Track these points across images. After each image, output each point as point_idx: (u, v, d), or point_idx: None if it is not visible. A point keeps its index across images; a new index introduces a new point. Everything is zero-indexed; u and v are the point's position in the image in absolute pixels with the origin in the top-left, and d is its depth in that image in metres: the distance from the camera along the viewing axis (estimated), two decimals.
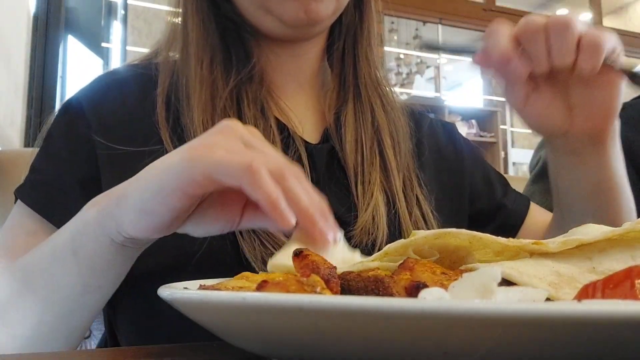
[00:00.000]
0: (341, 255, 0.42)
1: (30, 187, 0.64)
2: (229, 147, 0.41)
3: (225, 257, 0.59)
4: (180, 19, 0.71)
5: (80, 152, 0.65)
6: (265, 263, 0.58)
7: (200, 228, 0.47)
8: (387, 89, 0.77)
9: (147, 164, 0.51)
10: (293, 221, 0.40)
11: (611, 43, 0.56)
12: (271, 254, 0.58)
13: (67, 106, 0.69)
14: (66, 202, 0.63)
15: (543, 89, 0.62)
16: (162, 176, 0.43)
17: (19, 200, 0.65)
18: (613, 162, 0.65)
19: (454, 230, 0.37)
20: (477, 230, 0.37)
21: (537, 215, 0.82)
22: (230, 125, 0.44)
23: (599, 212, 0.66)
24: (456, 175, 0.79)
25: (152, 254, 0.60)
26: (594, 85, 0.60)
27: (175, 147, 0.63)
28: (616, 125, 0.64)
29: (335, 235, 0.42)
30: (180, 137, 0.65)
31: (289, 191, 0.40)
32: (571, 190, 0.68)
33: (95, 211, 0.49)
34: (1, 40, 2.10)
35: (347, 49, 0.76)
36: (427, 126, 0.82)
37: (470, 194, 0.79)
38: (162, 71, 0.70)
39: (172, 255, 0.58)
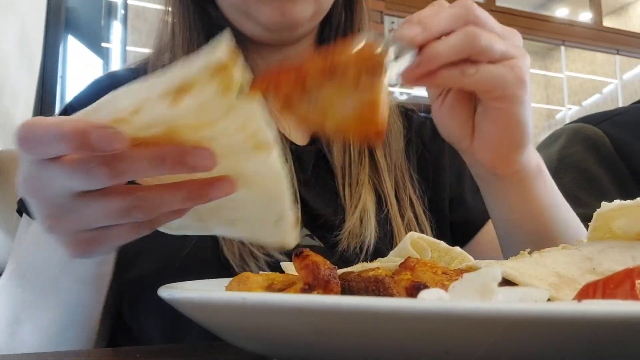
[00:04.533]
0: None
1: None
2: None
3: (206, 255, 0.59)
4: (169, 22, 0.71)
5: None
6: (244, 260, 0.58)
7: None
8: None
9: None
10: None
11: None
12: (250, 252, 0.58)
13: (68, 108, 0.70)
14: None
15: (458, 92, 0.52)
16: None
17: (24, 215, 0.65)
18: (526, 202, 0.56)
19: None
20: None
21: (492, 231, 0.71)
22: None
23: (526, 238, 0.57)
24: (438, 171, 0.76)
25: (142, 258, 0.60)
26: (491, 111, 0.50)
27: None
28: (529, 165, 0.54)
29: None
30: None
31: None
32: (492, 212, 0.61)
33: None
34: (24, 42, 2.11)
35: None
36: (416, 123, 0.80)
37: (448, 187, 0.76)
38: (152, 72, 0.70)
39: (161, 257, 0.59)
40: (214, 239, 0.59)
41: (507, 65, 0.45)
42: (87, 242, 0.37)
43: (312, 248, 0.64)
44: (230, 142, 0.32)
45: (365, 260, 0.62)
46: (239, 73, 0.29)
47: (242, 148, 0.33)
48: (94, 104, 0.31)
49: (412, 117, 0.81)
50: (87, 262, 0.48)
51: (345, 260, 0.62)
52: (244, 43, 0.71)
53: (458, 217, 0.75)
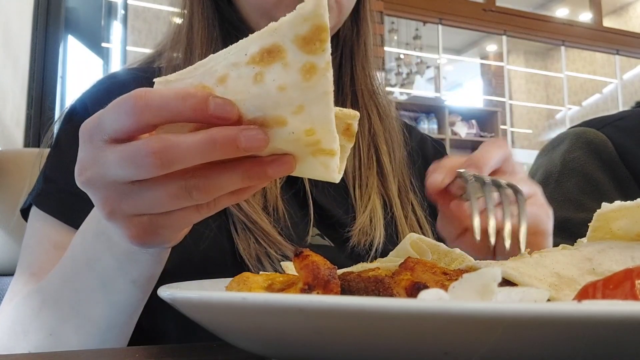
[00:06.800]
0: None
1: (48, 197, 0.65)
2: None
3: (224, 255, 0.60)
4: (185, 21, 0.72)
5: None
6: (260, 261, 0.58)
7: None
8: (383, 99, 0.79)
9: None
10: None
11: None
12: (265, 253, 0.59)
13: (72, 111, 0.70)
14: (85, 207, 0.64)
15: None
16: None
17: (36, 211, 0.65)
18: None
19: None
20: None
21: None
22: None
23: None
24: None
25: None
26: None
27: None
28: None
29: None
30: None
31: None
32: None
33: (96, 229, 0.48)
34: (8, 42, 2.11)
35: (344, 60, 0.78)
36: (418, 138, 0.85)
37: None
38: (165, 72, 0.70)
39: (177, 256, 0.59)
40: (230, 239, 0.60)
41: (536, 203, 0.49)
42: (148, 228, 0.37)
43: (323, 247, 0.65)
44: (293, 144, 0.33)
45: (375, 258, 0.63)
46: (326, 48, 0.33)
47: (303, 151, 0.34)
48: (190, 67, 0.33)
49: (411, 131, 0.86)
50: (142, 263, 0.47)
51: (355, 257, 0.64)
52: None
53: None
